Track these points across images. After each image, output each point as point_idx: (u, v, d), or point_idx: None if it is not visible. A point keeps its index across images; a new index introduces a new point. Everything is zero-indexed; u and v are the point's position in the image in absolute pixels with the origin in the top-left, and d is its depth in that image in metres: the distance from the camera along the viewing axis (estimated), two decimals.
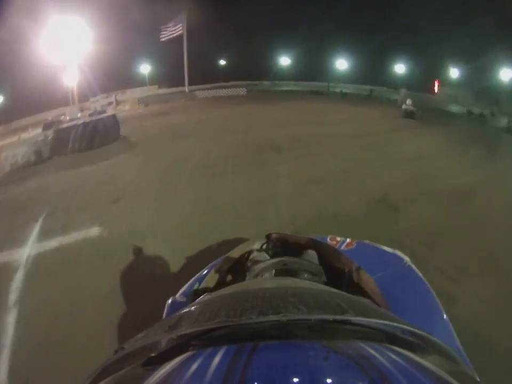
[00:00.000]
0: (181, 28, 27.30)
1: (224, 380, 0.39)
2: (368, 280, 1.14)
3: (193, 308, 0.60)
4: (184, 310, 0.60)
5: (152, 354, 0.50)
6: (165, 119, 16.60)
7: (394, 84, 27.39)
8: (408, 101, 15.32)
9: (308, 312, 0.49)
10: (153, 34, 28.41)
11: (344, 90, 25.69)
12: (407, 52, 27.03)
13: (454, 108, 20.43)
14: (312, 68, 31.11)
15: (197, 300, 0.79)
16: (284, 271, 1.09)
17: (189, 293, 1.27)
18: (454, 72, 28.68)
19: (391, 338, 0.52)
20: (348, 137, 10.26)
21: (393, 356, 0.45)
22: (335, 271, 1.23)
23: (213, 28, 30.88)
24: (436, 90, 22.44)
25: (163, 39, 27.96)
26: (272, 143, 9.51)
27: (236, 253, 1.38)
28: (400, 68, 28.65)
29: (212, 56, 35.15)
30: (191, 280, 1.47)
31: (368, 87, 26.73)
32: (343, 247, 1.61)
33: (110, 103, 28.72)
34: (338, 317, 0.50)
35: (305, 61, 31.90)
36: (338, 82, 28.31)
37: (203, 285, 1.25)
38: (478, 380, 0.51)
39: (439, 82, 22.85)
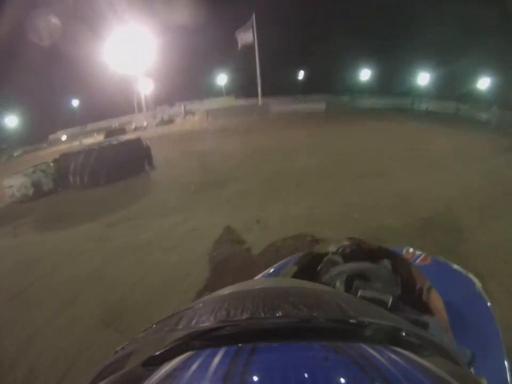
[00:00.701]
0: (251, 33, 25.05)
1: (224, 380, 0.39)
2: (437, 302, 1.12)
3: (193, 307, 0.59)
4: (184, 310, 0.59)
5: (152, 354, 0.50)
6: (221, 143, 13.86)
7: (479, 100, 25.18)
8: None
9: (308, 312, 0.49)
10: (229, 42, 26.57)
11: (429, 108, 23.89)
12: (493, 64, 24.28)
13: None
14: (393, 82, 29.18)
15: (197, 300, 0.71)
16: (357, 277, 1.11)
17: None
18: None
19: (391, 338, 0.51)
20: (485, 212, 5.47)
21: (394, 356, 0.44)
22: (405, 286, 1.20)
23: (288, 36, 28.08)
24: None
25: (239, 48, 26.00)
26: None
27: (314, 251, 1.38)
28: (484, 83, 25.73)
29: (289, 65, 32.51)
30: (269, 268, 1.54)
31: (453, 103, 24.87)
32: (418, 261, 1.60)
33: (179, 113, 27.61)
34: (339, 317, 0.49)
35: (386, 74, 29.76)
36: (420, 97, 26.42)
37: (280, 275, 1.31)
38: (480, 381, 0.49)
39: None
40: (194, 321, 0.51)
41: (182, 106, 28.90)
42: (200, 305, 0.58)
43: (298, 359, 0.43)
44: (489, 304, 1.31)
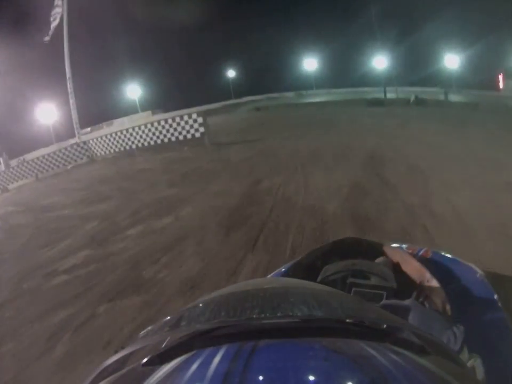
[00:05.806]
0: (58, 11, 15.22)
1: (224, 380, 0.39)
2: (439, 293, 1.16)
3: (193, 307, 0.59)
4: (184, 310, 0.60)
5: (152, 354, 0.50)
6: None
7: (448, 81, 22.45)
8: None
9: (308, 312, 0.49)
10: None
11: (419, 96, 17.46)
12: (457, 42, 22.75)
13: None
14: (339, 71, 25.70)
15: (197, 299, 0.70)
16: (352, 274, 1.15)
17: None
18: None
19: (391, 338, 0.51)
20: None
21: (394, 356, 0.44)
22: (407, 280, 1.26)
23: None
24: (501, 86, 17.35)
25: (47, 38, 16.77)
26: None
27: (308, 256, 1.41)
28: (452, 62, 24.00)
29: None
30: (281, 267, 1.51)
31: (437, 89, 20.94)
32: (419, 255, 1.68)
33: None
34: (339, 317, 0.49)
35: (332, 63, 26.68)
36: (380, 86, 22.99)
37: None
38: (480, 380, 0.49)
39: (503, 75, 17.66)
40: (194, 321, 0.51)
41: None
42: (200, 305, 0.58)
43: (298, 359, 0.44)
44: (492, 290, 1.34)
